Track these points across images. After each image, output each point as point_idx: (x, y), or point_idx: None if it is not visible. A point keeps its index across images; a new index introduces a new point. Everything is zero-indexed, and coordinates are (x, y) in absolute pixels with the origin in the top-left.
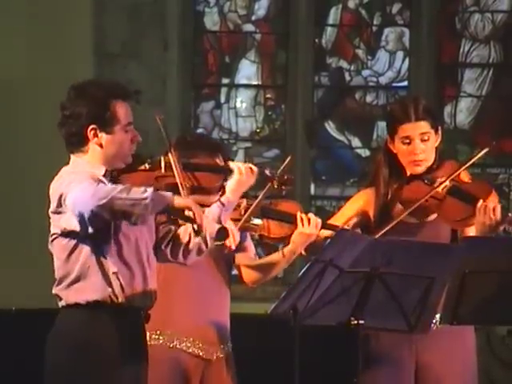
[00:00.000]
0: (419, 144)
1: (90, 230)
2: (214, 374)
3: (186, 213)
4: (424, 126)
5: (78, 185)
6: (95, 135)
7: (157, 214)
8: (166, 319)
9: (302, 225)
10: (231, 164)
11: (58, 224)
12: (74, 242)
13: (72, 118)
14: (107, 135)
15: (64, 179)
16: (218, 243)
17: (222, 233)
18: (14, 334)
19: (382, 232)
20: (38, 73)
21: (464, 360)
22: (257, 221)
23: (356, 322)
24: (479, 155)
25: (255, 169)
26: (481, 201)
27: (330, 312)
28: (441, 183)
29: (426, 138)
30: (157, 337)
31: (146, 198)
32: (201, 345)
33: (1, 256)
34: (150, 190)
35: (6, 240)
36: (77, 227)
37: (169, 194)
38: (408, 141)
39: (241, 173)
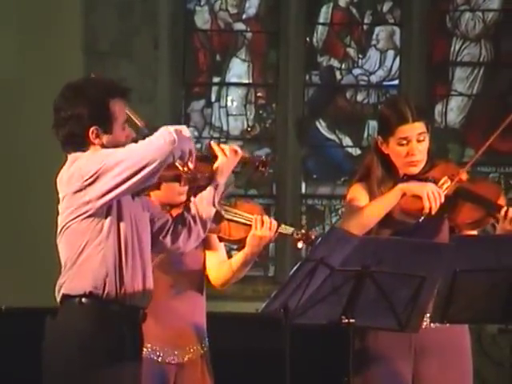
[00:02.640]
0: (416, 145)
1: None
2: (187, 376)
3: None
4: (420, 126)
5: (126, 149)
6: (97, 136)
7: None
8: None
9: (256, 227)
10: (215, 148)
11: (82, 201)
12: (92, 224)
13: (72, 120)
14: (107, 135)
15: (90, 157)
16: (215, 226)
17: (217, 216)
18: (3, 333)
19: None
20: (27, 72)
21: (462, 363)
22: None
23: (347, 320)
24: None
25: (238, 149)
26: (504, 208)
27: (321, 311)
28: (449, 184)
29: (422, 138)
30: None
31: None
32: (170, 350)
33: None
34: (184, 127)
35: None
36: (118, 185)
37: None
38: (405, 142)
39: (225, 154)
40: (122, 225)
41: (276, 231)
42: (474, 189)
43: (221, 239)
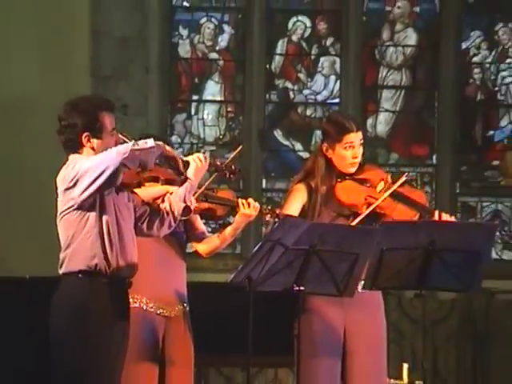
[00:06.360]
0: (358, 149)
1: (109, 186)
2: (173, 328)
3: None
4: (361, 135)
5: (93, 157)
6: (88, 141)
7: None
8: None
9: (244, 207)
10: (189, 158)
11: (69, 197)
12: (79, 216)
13: (69, 128)
14: (98, 140)
15: (75, 163)
16: (184, 218)
17: (187, 210)
18: (28, 300)
19: (357, 221)
20: (47, 91)
21: (379, 317)
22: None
23: (298, 288)
24: (402, 180)
25: (207, 157)
26: (436, 211)
27: (278, 280)
28: (385, 189)
29: (361, 144)
30: None
31: (153, 147)
32: (161, 305)
33: (18, 232)
34: (151, 140)
35: (23, 218)
36: (92, 186)
37: (161, 143)
38: (351, 147)
39: (197, 161)
40: (105, 215)
41: (260, 211)
42: (405, 194)
43: (203, 216)
